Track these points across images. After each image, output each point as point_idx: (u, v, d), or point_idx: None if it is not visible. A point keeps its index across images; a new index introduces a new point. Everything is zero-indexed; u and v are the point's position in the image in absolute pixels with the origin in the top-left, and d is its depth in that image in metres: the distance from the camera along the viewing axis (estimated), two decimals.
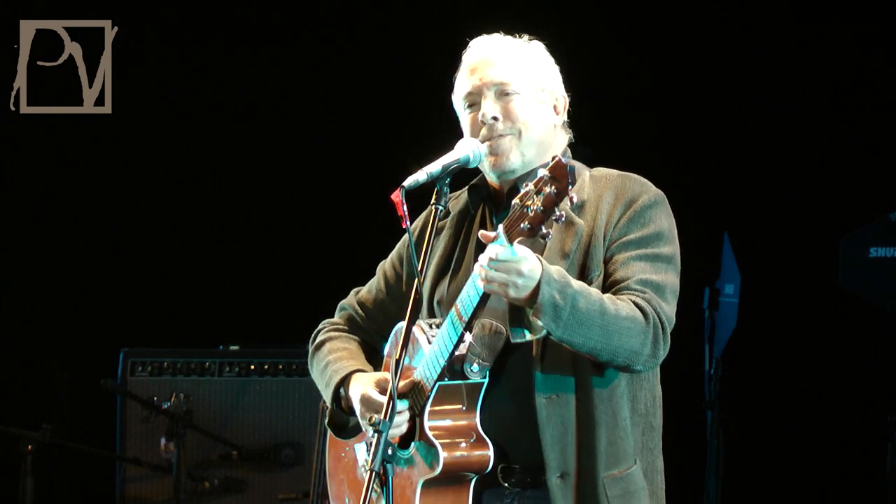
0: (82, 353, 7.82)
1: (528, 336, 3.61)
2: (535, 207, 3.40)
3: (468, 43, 3.93)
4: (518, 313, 3.62)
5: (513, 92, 3.82)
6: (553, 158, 3.42)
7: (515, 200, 3.44)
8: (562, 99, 3.91)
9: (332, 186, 7.92)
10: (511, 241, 3.45)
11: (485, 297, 3.58)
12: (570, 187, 3.37)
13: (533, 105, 3.84)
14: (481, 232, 3.53)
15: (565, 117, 3.93)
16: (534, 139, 3.83)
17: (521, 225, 3.42)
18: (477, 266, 3.52)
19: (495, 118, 3.80)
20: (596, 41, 7.56)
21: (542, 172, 3.41)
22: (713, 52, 7.59)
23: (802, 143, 7.55)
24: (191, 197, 8.03)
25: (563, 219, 3.41)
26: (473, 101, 3.85)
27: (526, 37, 3.93)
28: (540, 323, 3.53)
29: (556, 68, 3.93)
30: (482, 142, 3.83)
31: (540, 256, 3.54)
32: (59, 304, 7.98)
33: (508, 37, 3.91)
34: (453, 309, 3.66)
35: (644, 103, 7.63)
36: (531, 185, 3.42)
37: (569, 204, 3.39)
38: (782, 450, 7.60)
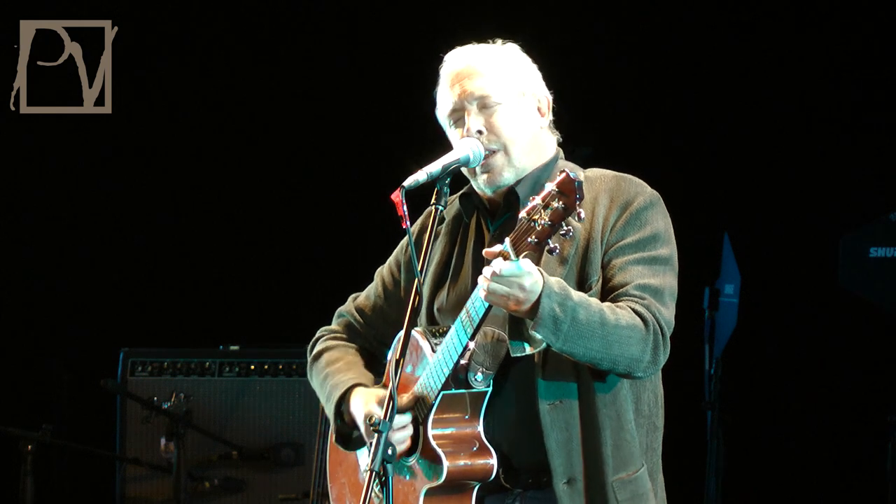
0: (82, 353, 7.82)
1: (528, 350, 3.61)
2: (543, 222, 3.39)
3: (442, 58, 3.90)
4: (518, 325, 3.62)
5: (494, 103, 3.79)
6: (560, 172, 3.40)
7: (522, 214, 3.43)
8: (545, 99, 3.88)
9: (332, 186, 7.92)
10: (518, 255, 3.44)
11: (490, 308, 3.58)
12: (578, 202, 3.37)
13: (516, 113, 3.82)
14: (485, 250, 3.51)
15: (551, 117, 3.91)
16: (522, 149, 3.81)
17: (529, 239, 3.41)
18: (481, 278, 3.51)
19: (480, 132, 3.79)
20: (596, 41, 7.56)
21: (550, 187, 3.40)
22: (713, 52, 7.58)
23: (802, 142, 7.54)
24: (191, 197, 8.03)
25: (571, 233, 3.41)
26: (458, 117, 3.83)
27: (499, 41, 3.89)
28: (539, 336, 3.53)
29: (535, 68, 3.89)
30: None
31: (541, 270, 3.53)
32: (59, 304, 7.98)
33: (482, 45, 3.88)
34: (459, 319, 3.65)
35: (644, 103, 7.63)
36: (539, 200, 3.41)
37: (576, 219, 3.39)
38: (782, 450, 7.60)
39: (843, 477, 7.49)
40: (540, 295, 3.49)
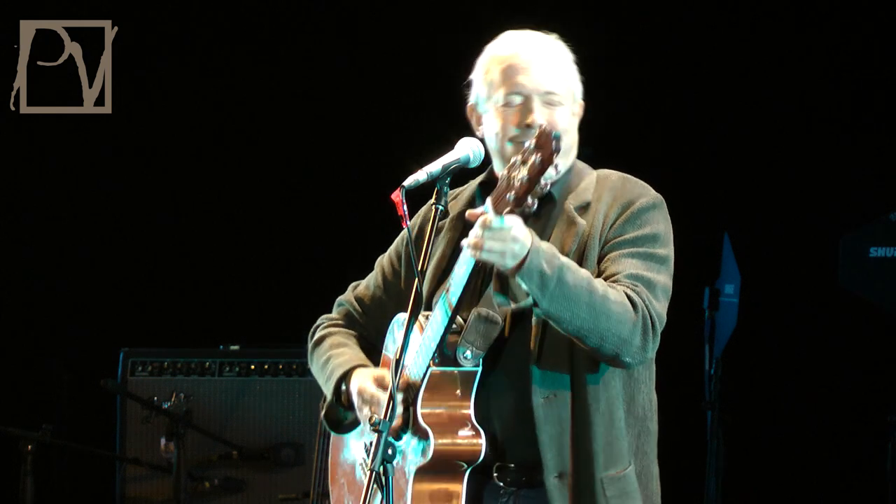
0: (82, 353, 7.82)
1: (512, 305, 3.60)
2: (521, 177, 3.39)
3: (498, 35, 3.89)
4: (505, 282, 3.63)
5: (557, 102, 3.79)
6: (539, 127, 3.41)
7: (503, 171, 3.45)
8: (580, 104, 3.90)
9: (332, 186, 7.92)
10: (499, 213, 3.44)
11: (474, 272, 3.58)
12: (554, 155, 3.35)
13: (569, 116, 3.83)
14: (469, 211, 3.53)
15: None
16: (568, 150, 3.82)
17: (507, 196, 3.41)
18: (470, 238, 3.51)
19: (541, 125, 3.77)
20: (596, 40, 7.55)
21: (528, 143, 3.40)
22: (713, 52, 7.59)
23: (802, 142, 7.55)
24: (191, 197, 8.03)
25: (546, 191, 3.40)
26: (518, 101, 3.79)
27: (554, 35, 3.90)
28: (525, 287, 3.53)
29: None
30: (512, 140, 3.79)
31: (531, 231, 3.54)
32: (59, 304, 7.98)
33: (546, 35, 3.88)
34: (445, 291, 3.66)
35: (644, 103, 7.63)
36: (518, 157, 3.42)
37: (553, 173, 3.38)
38: (782, 450, 7.60)
39: (843, 477, 7.49)
40: (529, 249, 3.49)
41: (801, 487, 7.58)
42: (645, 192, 3.82)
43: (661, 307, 3.70)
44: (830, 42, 7.46)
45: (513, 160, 3.42)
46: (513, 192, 3.40)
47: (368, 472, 3.53)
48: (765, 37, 7.56)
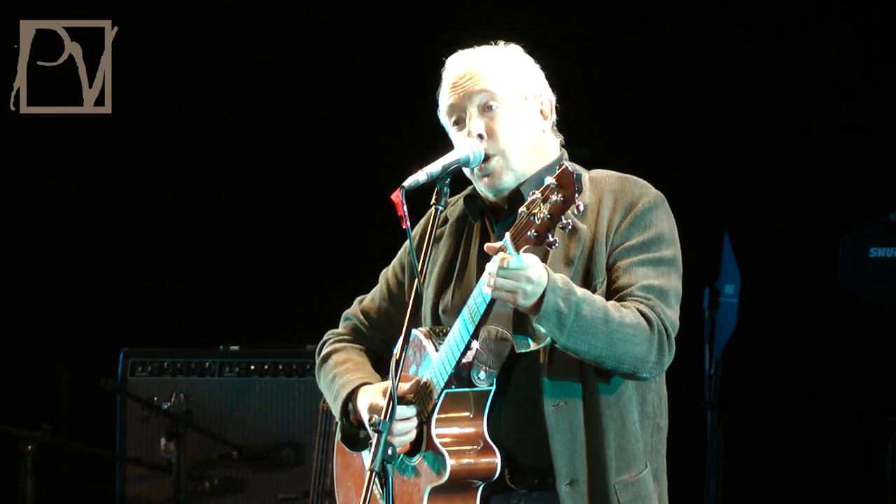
0: (82, 353, 7.82)
1: (532, 345, 3.61)
2: (542, 215, 3.39)
3: (444, 62, 3.88)
4: (522, 321, 3.62)
5: (496, 105, 3.78)
6: (559, 166, 3.40)
7: (522, 208, 3.43)
8: (548, 102, 3.86)
9: (332, 186, 7.93)
10: (518, 249, 3.44)
11: (491, 304, 3.58)
12: (576, 195, 3.37)
13: (517, 116, 3.80)
14: (487, 245, 3.51)
15: (554, 118, 3.89)
16: (522, 153, 3.79)
17: (528, 233, 3.41)
18: (485, 274, 3.51)
19: (480, 136, 3.77)
20: (595, 41, 7.56)
21: (549, 180, 3.40)
22: (713, 52, 7.59)
23: (802, 143, 7.55)
24: (191, 197, 8.03)
25: (570, 226, 3.41)
26: (459, 118, 3.82)
27: (502, 42, 3.88)
28: (543, 330, 3.53)
29: (538, 70, 3.87)
30: (475, 175, 3.82)
31: (546, 266, 3.54)
32: (60, 304, 7.98)
33: (484, 47, 3.86)
34: (460, 317, 3.65)
35: (643, 102, 7.63)
36: (538, 193, 3.41)
37: (575, 212, 3.39)
38: (782, 450, 7.60)
39: (843, 477, 7.49)
40: (544, 289, 3.49)
41: (801, 487, 7.58)
42: (646, 192, 3.80)
43: (674, 314, 3.71)
44: (830, 42, 7.46)
45: (532, 196, 3.42)
46: (534, 230, 3.40)
47: (368, 473, 3.53)
48: (765, 37, 7.56)
